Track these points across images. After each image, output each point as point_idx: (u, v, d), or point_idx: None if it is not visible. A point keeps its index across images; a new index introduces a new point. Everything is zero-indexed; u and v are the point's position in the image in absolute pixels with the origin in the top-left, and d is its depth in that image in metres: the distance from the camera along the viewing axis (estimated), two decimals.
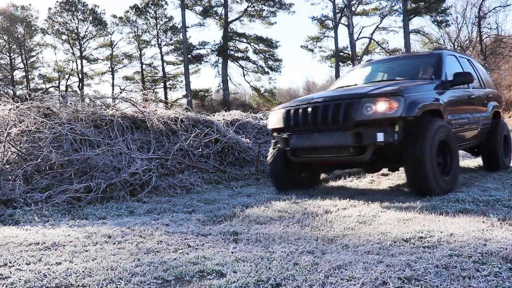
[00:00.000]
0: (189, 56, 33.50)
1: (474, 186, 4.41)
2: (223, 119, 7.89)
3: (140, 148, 5.62)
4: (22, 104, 5.51)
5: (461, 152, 6.23)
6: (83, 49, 36.00)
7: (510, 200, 3.54)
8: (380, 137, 3.70)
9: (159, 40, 36.08)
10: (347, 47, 34.34)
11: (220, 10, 34.20)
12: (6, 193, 3.90)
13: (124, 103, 6.48)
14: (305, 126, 4.17)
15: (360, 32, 34.00)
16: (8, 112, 5.18)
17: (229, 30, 34.06)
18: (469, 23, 35.35)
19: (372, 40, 34.24)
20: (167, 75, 36.77)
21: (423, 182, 3.78)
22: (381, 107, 3.73)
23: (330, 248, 2.37)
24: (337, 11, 33.42)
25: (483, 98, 5.65)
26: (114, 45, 36.65)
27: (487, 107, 5.75)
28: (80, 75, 36.26)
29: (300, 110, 4.21)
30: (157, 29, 35.77)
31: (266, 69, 35.31)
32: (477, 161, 6.70)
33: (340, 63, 33.98)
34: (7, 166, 4.49)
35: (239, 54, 35.36)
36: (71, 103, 6.33)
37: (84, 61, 36.36)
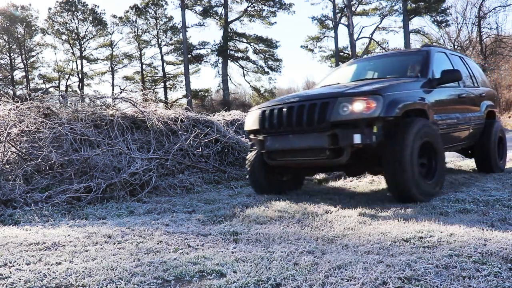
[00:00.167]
0: (189, 56, 33.51)
1: (474, 186, 4.41)
2: (223, 119, 7.90)
3: (140, 148, 5.62)
4: (22, 104, 5.51)
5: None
6: (83, 49, 36.02)
7: (510, 200, 3.54)
8: (357, 138, 3.48)
9: (159, 40, 36.11)
10: (347, 47, 34.38)
11: (220, 10, 34.24)
12: (6, 193, 3.90)
13: (124, 103, 6.48)
14: (280, 127, 3.95)
15: (360, 32, 34.06)
16: (8, 112, 5.19)
17: (229, 30, 34.07)
18: (469, 23, 35.43)
19: (372, 40, 34.27)
20: (167, 75, 36.78)
21: (403, 188, 3.53)
22: (358, 107, 3.51)
23: (330, 248, 2.37)
24: (337, 11, 33.44)
25: (475, 97, 5.43)
26: (114, 45, 36.70)
27: (480, 107, 5.51)
28: (80, 75, 36.27)
29: (275, 111, 4.00)
30: (157, 29, 35.79)
31: (266, 69, 35.35)
32: None
33: (340, 63, 33.95)
34: (7, 166, 4.49)
35: (239, 54, 35.40)
36: (71, 103, 6.33)
37: (84, 61, 36.40)
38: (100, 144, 5.10)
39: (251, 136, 4.45)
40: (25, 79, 35.73)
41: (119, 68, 37.47)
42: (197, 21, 37.92)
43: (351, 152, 3.59)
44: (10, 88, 33.89)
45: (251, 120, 4.37)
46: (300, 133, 3.82)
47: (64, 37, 35.61)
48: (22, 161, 4.60)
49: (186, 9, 32.40)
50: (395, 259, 2.07)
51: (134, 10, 34.92)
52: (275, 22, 39.72)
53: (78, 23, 35.30)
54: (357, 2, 33.48)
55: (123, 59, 36.87)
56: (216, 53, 34.55)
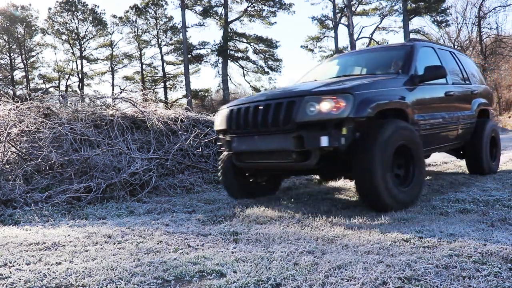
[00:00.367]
0: (189, 56, 33.50)
1: (474, 186, 4.41)
2: None
3: (140, 148, 5.62)
4: (22, 104, 5.52)
5: None
6: (83, 49, 36.01)
7: (510, 200, 3.54)
8: (324, 141, 3.18)
9: (159, 40, 36.10)
10: (347, 47, 34.32)
11: (220, 10, 34.21)
12: (6, 193, 3.90)
13: (124, 103, 6.49)
14: (246, 127, 3.67)
15: (360, 32, 34.06)
16: (8, 112, 5.19)
17: (229, 30, 34.05)
18: (469, 23, 35.45)
19: (372, 40, 34.25)
20: (167, 75, 36.77)
21: (374, 196, 3.24)
22: (325, 106, 3.20)
23: (330, 248, 2.37)
24: (337, 11, 33.43)
25: (465, 95, 5.12)
26: (114, 45, 36.68)
27: (472, 105, 5.21)
28: (80, 75, 36.27)
29: (242, 110, 3.72)
30: (157, 29, 35.78)
31: (266, 69, 35.32)
32: None
33: None
34: (7, 166, 4.49)
35: (239, 54, 35.37)
36: (71, 103, 6.33)
37: (84, 61, 36.38)
38: (100, 144, 5.10)
39: (220, 136, 4.20)
40: (25, 79, 35.73)
41: (119, 68, 37.48)
42: (197, 21, 37.95)
43: (321, 155, 3.31)
44: (10, 88, 33.89)
45: (219, 119, 4.10)
46: (266, 134, 3.55)
47: (64, 37, 35.61)
48: (22, 161, 4.60)
49: (186, 9, 32.38)
50: (395, 259, 2.07)
51: (134, 10, 34.91)
52: (275, 22, 39.71)
53: (78, 23, 35.30)
54: (357, 2, 33.48)
55: (123, 59, 36.88)
56: (216, 53, 34.55)
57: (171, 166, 5.44)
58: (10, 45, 34.52)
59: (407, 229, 2.67)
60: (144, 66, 37.20)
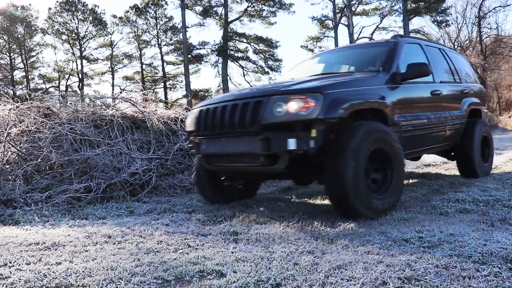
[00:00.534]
0: (189, 56, 33.49)
1: (474, 186, 4.41)
2: None
3: (140, 148, 5.62)
4: (22, 104, 5.52)
5: None
6: (83, 49, 36.00)
7: (510, 200, 3.54)
8: (292, 144, 2.95)
9: (159, 40, 36.09)
10: None
11: (220, 10, 34.19)
12: (6, 193, 3.90)
13: (124, 103, 6.49)
14: (214, 129, 3.49)
15: (360, 32, 34.04)
16: (8, 112, 5.19)
17: (229, 30, 34.05)
18: (469, 23, 35.45)
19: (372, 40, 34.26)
20: (167, 75, 36.77)
21: (345, 203, 3.04)
22: (293, 106, 2.99)
23: (330, 248, 2.37)
24: (337, 11, 33.43)
25: (455, 94, 4.91)
26: (114, 45, 36.66)
27: (461, 104, 4.98)
28: (80, 75, 36.26)
29: (210, 111, 3.55)
30: (157, 29, 35.77)
31: (266, 69, 35.30)
32: None
33: None
34: (7, 166, 4.49)
35: (239, 54, 35.36)
36: (71, 103, 6.34)
37: (84, 61, 36.37)
38: (100, 144, 5.10)
39: (191, 138, 3.97)
40: (25, 79, 35.72)
41: (119, 68, 37.46)
42: (197, 21, 37.93)
43: (290, 159, 3.10)
44: (10, 88, 33.88)
45: (189, 120, 3.91)
46: (233, 136, 3.36)
47: (64, 37, 35.60)
48: (22, 161, 4.60)
49: (186, 9, 32.37)
50: (395, 259, 2.07)
51: (134, 10, 34.91)
52: (275, 22, 39.67)
53: (78, 23, 35.29)
54: (357, 2, 33.48)
55: (123, 59, 36.87)
56: (216, 53, 34.53)
57: (171, 166, 5.44)
58: (10, 45, 34.52)
59: (407, 229, 2.68)
60: (144, 66, 37.21)
